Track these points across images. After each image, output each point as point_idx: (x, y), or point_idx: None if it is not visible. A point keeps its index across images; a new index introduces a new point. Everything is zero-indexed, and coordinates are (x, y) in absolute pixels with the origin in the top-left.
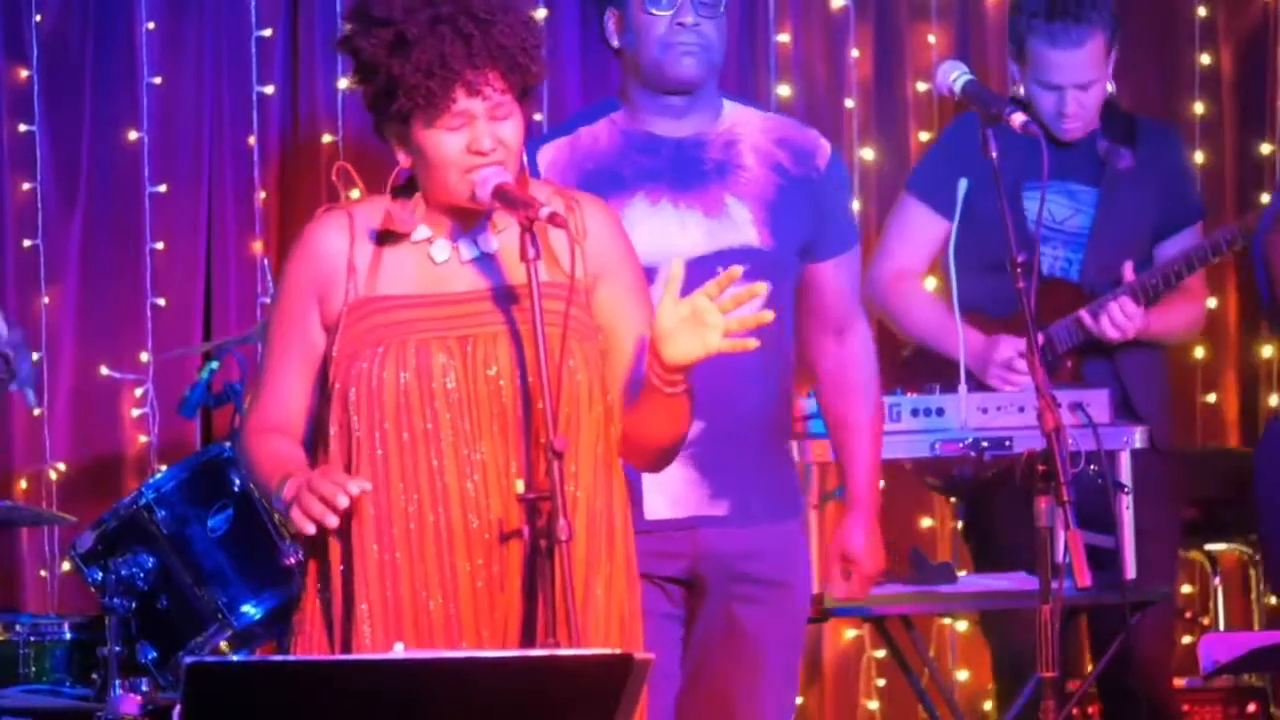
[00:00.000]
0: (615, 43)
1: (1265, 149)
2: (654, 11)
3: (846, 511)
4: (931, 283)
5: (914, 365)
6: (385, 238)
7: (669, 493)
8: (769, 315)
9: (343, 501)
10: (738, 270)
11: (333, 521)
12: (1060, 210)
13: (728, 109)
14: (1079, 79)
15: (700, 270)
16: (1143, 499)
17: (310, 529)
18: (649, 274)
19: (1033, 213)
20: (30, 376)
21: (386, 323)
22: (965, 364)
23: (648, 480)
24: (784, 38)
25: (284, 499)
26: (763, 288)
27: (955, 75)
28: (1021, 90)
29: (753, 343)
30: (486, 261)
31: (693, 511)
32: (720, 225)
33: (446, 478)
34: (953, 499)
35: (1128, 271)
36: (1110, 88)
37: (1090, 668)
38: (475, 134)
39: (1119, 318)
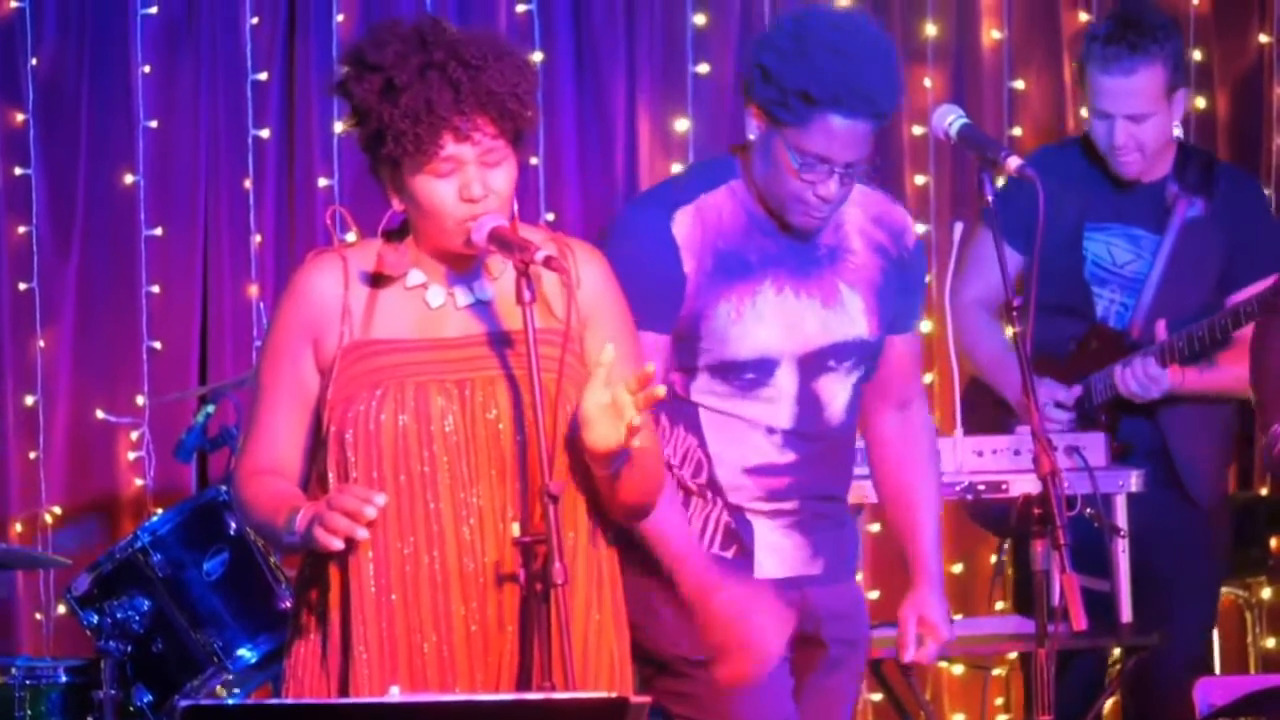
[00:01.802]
0: (750, 136)
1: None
2: (801, 176)
3: (918, 583)
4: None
5: (974, 401)
6: (379, 281)
7: (780, 556)
8: (661, 390)
9: (370, 513)
10: (652, 368)
11: (362, 534)
12: (1121, 254)
13: None
14: (1129, 109)
15: (815, 361)
16: (1177, 551)
17: (338, 545)
18: (771, 366)
19: (1092, 254)
20: None
21: (383, 365)
22: (1010, 400)
23: (760, 549)
24: None
25: (297, 529)
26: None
27: (951, 119)
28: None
29: (636, 443)
30: (482, 307)
31: (799, 571)
32: (835, 317)
33: (443, 521)
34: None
35: (1160, 330)
36: (1178, 130)
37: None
38: (465, 180)
39: (1140, 378)
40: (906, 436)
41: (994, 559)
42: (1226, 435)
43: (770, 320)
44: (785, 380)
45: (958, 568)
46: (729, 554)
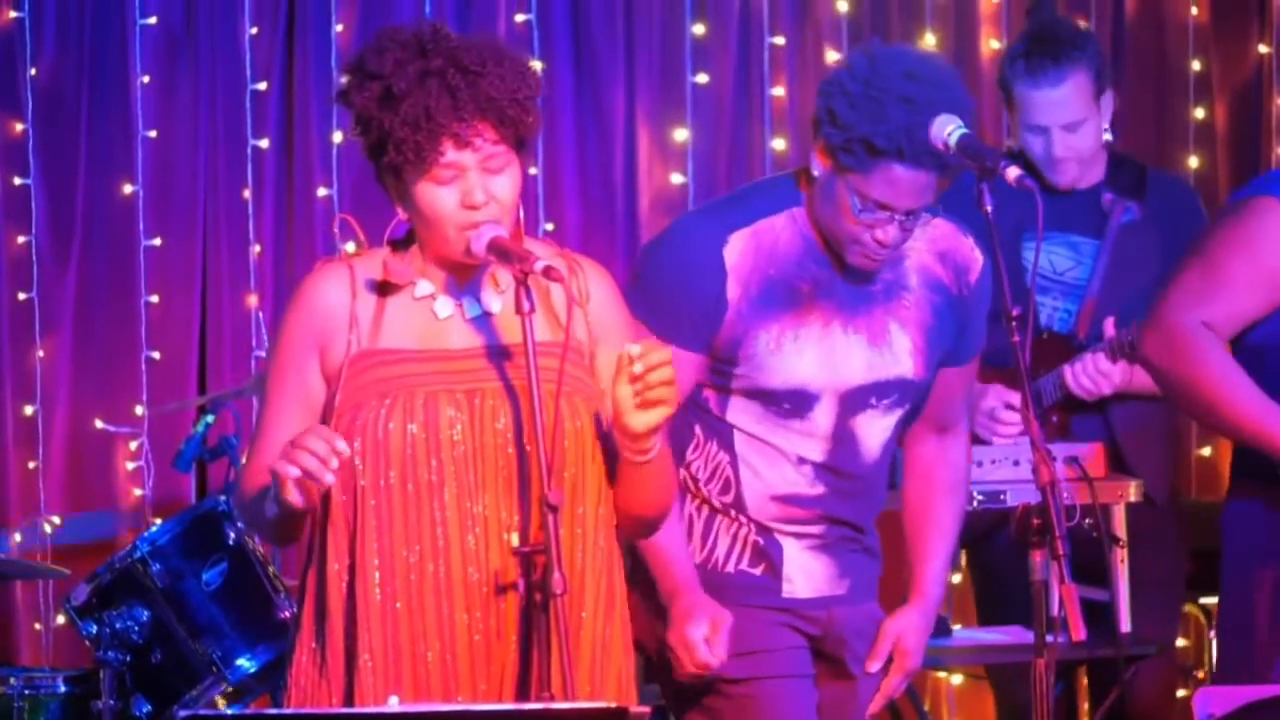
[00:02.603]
0: (815, 173)
1: None
2: (860, 220)
3: (911, 603)
4: None
5: None
6: (386, 290)
7: (808, 576)
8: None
9: (333, 463)
10: (635, 348)
11: (329, 479)
12: (1061, 261)
13: None
14: (1063, 119)
15: (856, 398)
16: (1140, 551)
17: (296, 496)
18: (809, 400)
19: (1030, 263)
20: None
21: (391, 375)
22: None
23: (789, 561)
24: (779, 91)
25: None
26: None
27: (950, 129)
28: (1014, 144)
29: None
30: (489, 319)
31: (825, 592)
32: (881, 357)
33: (449, 529)
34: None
35: (1108, 327)
36: (1107, 134)
37: None
38: (467, 187)
39: (1091, 374)
40: (941, 462)
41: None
42: (1175, 431)
43: (810, 354)
44: (823, 415)
45: (956, 578)
46: (758, 571)
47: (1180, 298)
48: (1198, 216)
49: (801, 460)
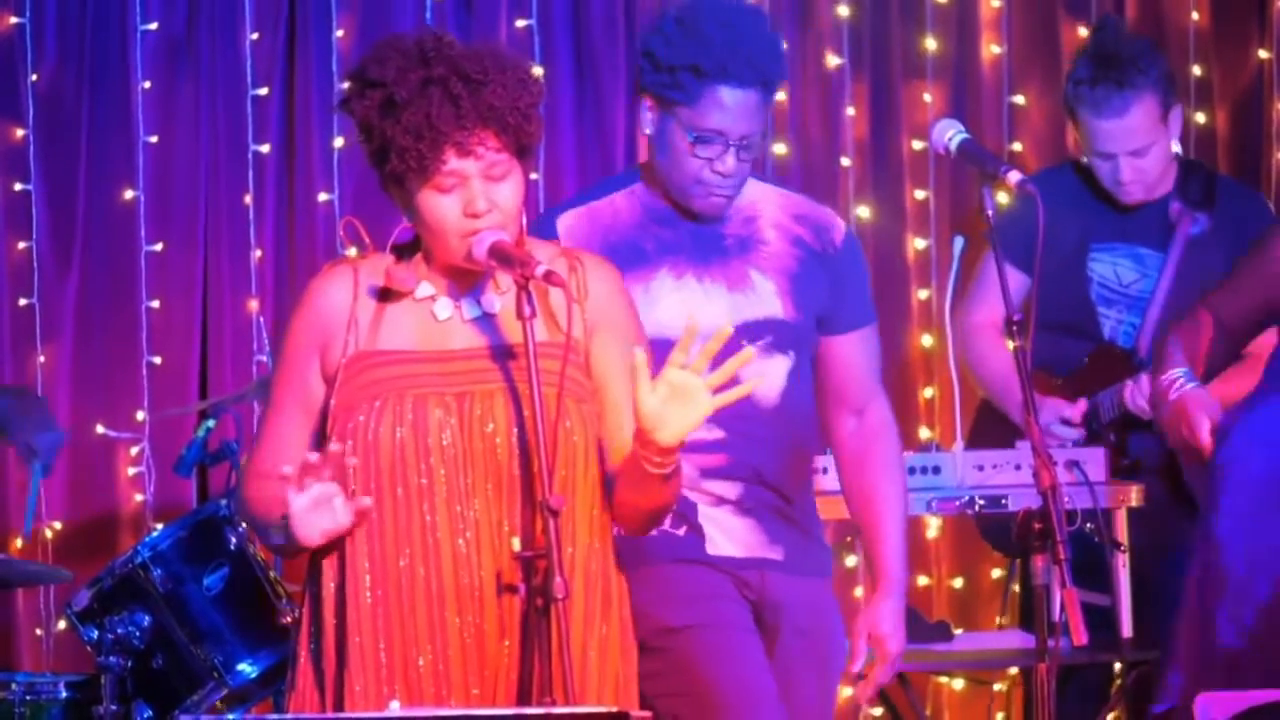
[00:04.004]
0: (647, 131)
1: None
2: (697, 154)
3: (877, 591)
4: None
5: (984, 418)
6: (388, 295)
7: (732, 536)
8: (750, 351)
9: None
10: (694, 328)
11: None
12: (1127, 274)
13: (747, 186)
14: (1130, 146)
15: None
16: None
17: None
18: (670, 346)
19: (1098, 274)
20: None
21: (384, 377)
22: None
23: (708, 526)
24: (780, 96)
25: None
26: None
27: (951, 134)
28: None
29: (747, 387)
30: (488, 321)
31: (756, 554)
32: (745, 299)
33: (439, 534)
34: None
35: None
36: (1176, 148)
37: None
38: (470, 195)
39: (1148, 394)
40: (863, 439)
41: (995, 573)
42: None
43: (665, 304)
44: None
45: (958, 582)
46: (680, 532)
47: None
48: (1264, 224)
49: None
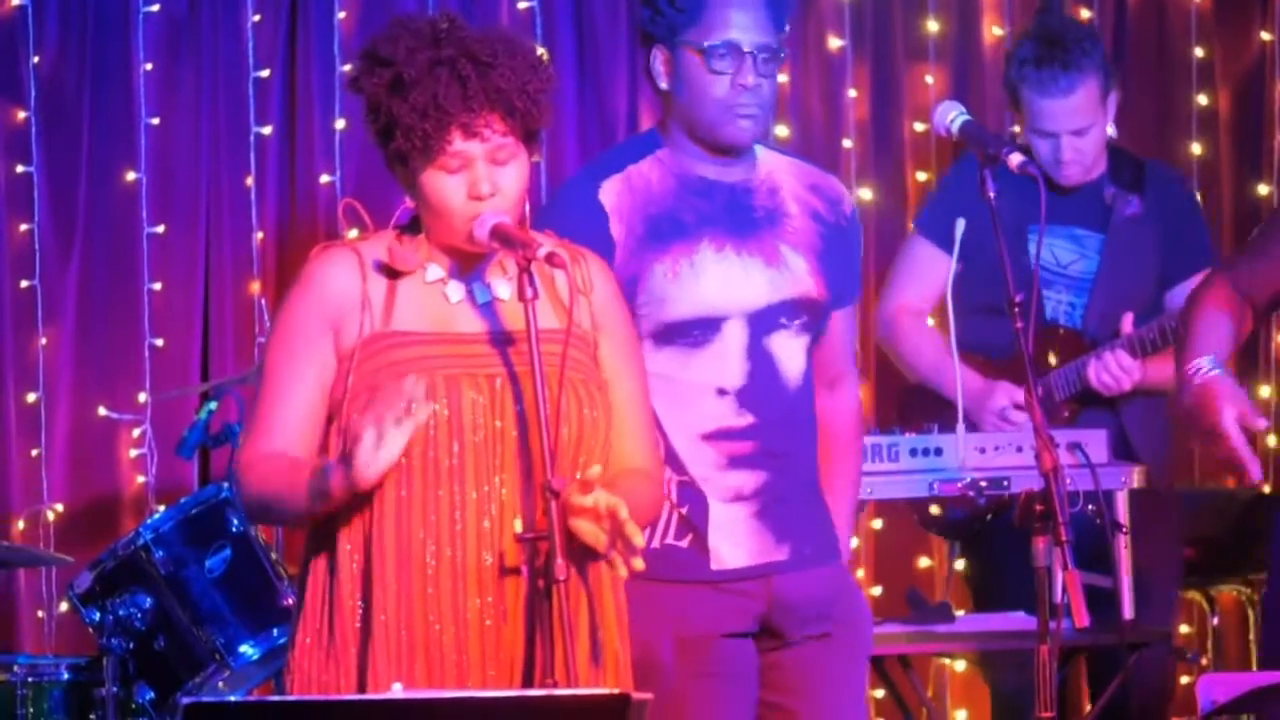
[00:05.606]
0: (663, 85)
1: (1263, 190)
2: (715, 70)
3: None
4: (931, 321)
5: (912, 403)
6: (396, 274)
7: (739, 543)
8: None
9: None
10: (596, 470)
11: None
12: (1065, 254)
13: (760, 154)
14: (1072, 125)
15: (765, 319)
16: (1141, 538)
17: (397, 450)
18: (717, 324)
19: (1034, 255)
20: None
21: (407, 357)
22: (963, 405)
23: (715, 535)
24: (781, 78)
25: (330, 475)
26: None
27: (952, 115)
28: (1019, 132)
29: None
30: (498, 305)
31: (761, 559)
32: (780, 275)
33: (466, 513)
34: (951, 540)
35: (1126, 324)
36: (1111, 131)
37: (1089, 708)
38: (474, 177)
39: (1114, 371)
40: (833, 416)
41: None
42: (1167, 423)
43: (709, 277)
44: (734, 337)
45: (959, 564)
46: (684, 543)
47: None
48: (1193, 209)
49: (721, 391)
